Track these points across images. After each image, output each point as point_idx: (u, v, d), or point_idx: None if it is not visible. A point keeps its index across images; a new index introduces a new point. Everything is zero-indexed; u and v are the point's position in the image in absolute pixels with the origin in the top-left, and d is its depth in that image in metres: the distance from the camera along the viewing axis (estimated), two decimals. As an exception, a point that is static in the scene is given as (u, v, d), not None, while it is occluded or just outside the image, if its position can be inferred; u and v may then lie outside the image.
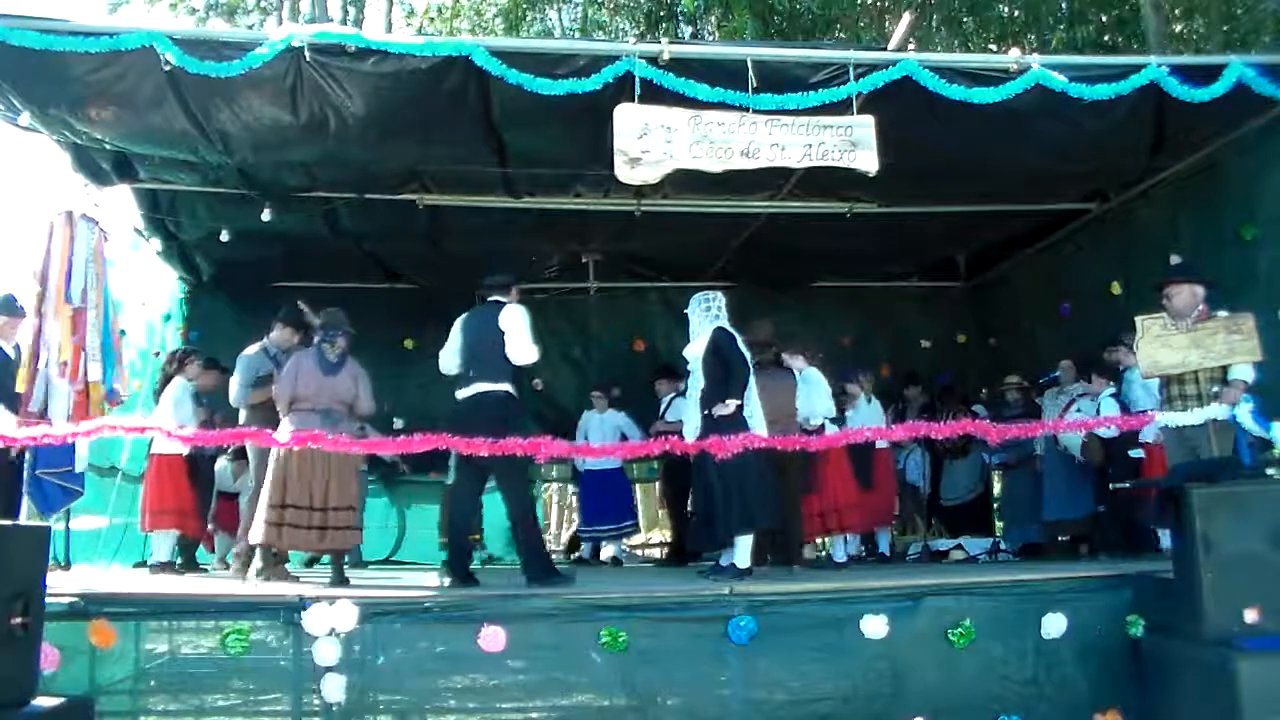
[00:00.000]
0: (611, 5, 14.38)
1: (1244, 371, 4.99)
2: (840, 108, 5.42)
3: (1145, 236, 7.32)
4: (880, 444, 7.36)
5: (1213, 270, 5.58)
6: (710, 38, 13.09)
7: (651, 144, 5.19)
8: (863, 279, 9.85)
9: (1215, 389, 5.03)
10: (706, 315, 5.85)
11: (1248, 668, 3.76)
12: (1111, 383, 6.60)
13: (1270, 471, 5.72)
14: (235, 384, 6.22)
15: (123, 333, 7.80)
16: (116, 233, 7.19)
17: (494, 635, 4.20)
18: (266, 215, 6.95)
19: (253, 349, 6.31)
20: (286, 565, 6.06)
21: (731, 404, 5.50)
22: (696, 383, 5.75)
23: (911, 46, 5.68)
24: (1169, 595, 4.33)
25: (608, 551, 8.33)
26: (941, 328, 10.05)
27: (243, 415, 6.16)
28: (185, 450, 6.68)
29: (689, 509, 7.83)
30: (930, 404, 8.42)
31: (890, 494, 8.04)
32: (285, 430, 5.40)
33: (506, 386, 5.42)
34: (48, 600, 3.70)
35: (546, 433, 5.38)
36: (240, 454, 7.22)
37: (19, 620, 3.35)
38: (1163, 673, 4.33)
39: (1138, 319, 5.28)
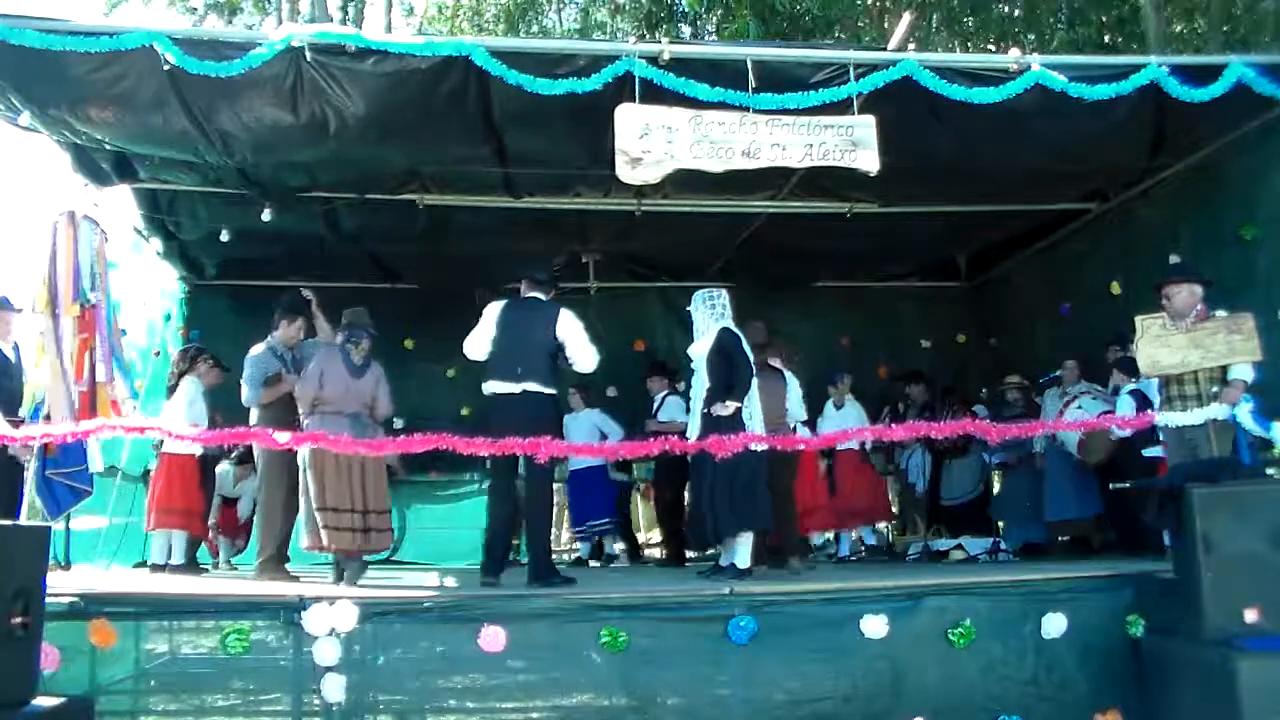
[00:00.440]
0: (612, 5, 14.38)
1: (1244, 371, 4.99)
2: (841, 108, 5.42)
3: (1145, 236, 7.32)
4: (844, 446, 7.35)
5: (1213, 270, 5.58)
6: (710, 38, 13.09)
7: (652, 144, 5.19)
8: (863, 279, 9.85)
9: (1215, 389, 5.04)
10: (711, 314, 5.84)
11: (1248, 668, 3.75)
12: (1133, 379, 6.52)
13: (1270, 471, 5.75)
14: (246, 385, 6.08)
15: (124, 332, 7.82)
16: (116, 233, 7.20)
17: (494, 635, 4.20)
18: (266, 215, 6.95)
19: (259, 349, 6.19)
20: (287, 566, 6.07)
21: (731, 405, 5.51)
22: (700, 382, 5.75)
23: (911, 46, 5.67)
24: (1169, 595, 4.33)
25: (618, 546, 8.34)
26: (941, 328, 10.04)
27: (254, 416, 6.04)
28: (198, 451, 6.67)
29: (686, 508, 7.88)
30: (931, 403, 8.42)
31: (864, 494, 8.01)
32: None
33: (554, 391, 5.47)
34: (48, 600, 3.70)
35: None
36: (244, 458, 7.21)
37: (19, 620, 3.35)
38: (1163, 673, 4.33)
39: (1138, 319, 5.28)
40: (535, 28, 15.29)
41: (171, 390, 6.87)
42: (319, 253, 8.10)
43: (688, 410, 6.93)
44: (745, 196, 7.37)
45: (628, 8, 14.13)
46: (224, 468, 7.48)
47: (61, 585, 4.28)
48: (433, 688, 4.25)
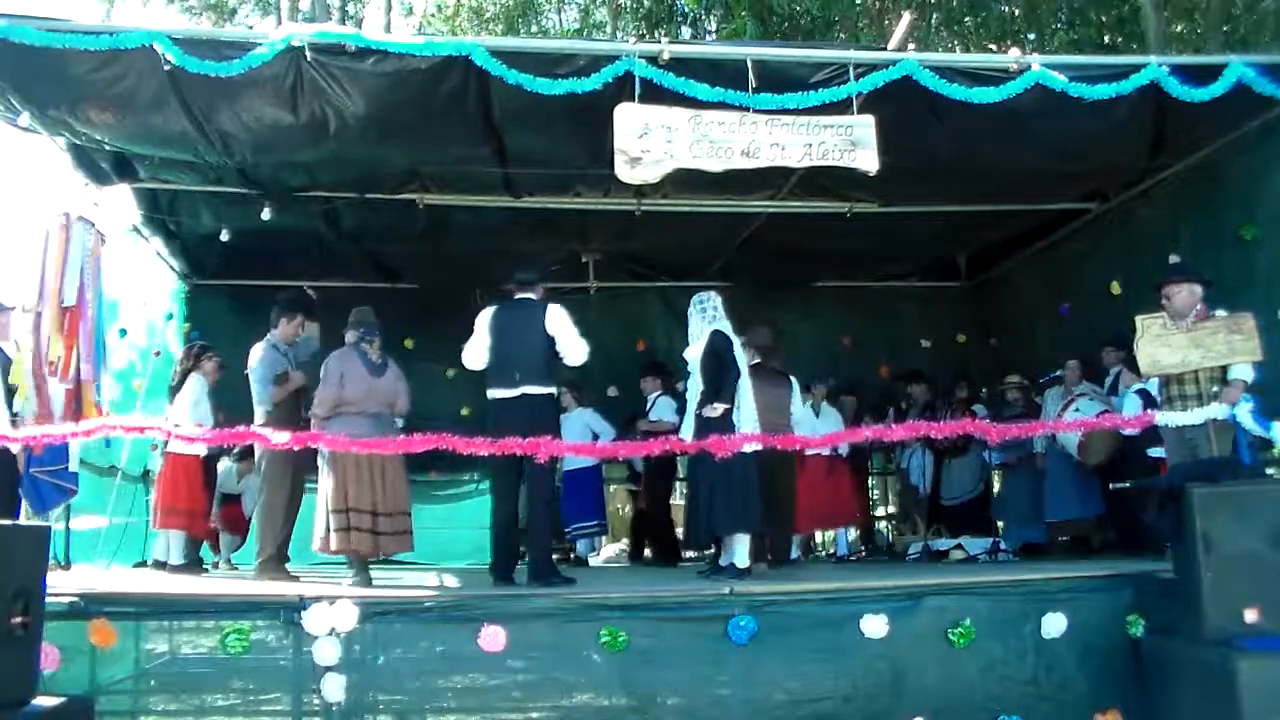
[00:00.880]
0: (612, 5, 14.38)
1: (1244, 371, 4.99)
2: (840, 107, 5.42)
3: (1145, 236, 7.32)
4: (812, 452, 7.38)
5: (1213, 270, 5.58)
6: (710, 38, 13.10)
7: (652, 144, 5.19)
8: (863, 279, 9.84)
9: (1215, 389, 5.04)
10: (703, 317, 5.88)
11: (1248, 668, 3.75)
12: (1140, 379, 6.46)
13: (1270, 471, 5.75)
14: (258, 384, 6.03)
15: (123, 332, 7.82)
16: (116, 232, 7.20)
17: (494, 635, 4.20)
18: (266, 215, 6.95)
19: (262, 347, 6.15)
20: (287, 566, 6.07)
21: (720, 407, 5.53)
22: (695, 385, 5.77)
23: (911, 46, 5.66)
24: (1169, 595, 4.33)
25: (608, 551, 8.32)
26: (941, 328, 10.03)
27: (259, 416, 5.99)
28: (203, 451, 6.68)
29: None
30: (932, 403, 8.42)
31: (829, 499, 7.98)
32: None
33: (551, 389, 5.48)
34: (48, 600, 3.70)
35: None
36: (245, 454, 7.22)
37: (19, 620, 3.35)
38: (1163, 673, 4.33)
39: (1138, 319, 5.28)
40: (535, 28, 15.29)
41: (176, 389, 6.87)
42: (319, 252, 8.10)
43: (677, 410, 7.00)
44: (745, 196, 7.37)
45: (628, 7, 14.13)
46: (226, 464, 7.48)
47: (61, 585, 4.28)
48: (433, 688, 4.25)
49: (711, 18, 13.55)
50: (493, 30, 15.33)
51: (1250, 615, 3.88)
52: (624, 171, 5.23)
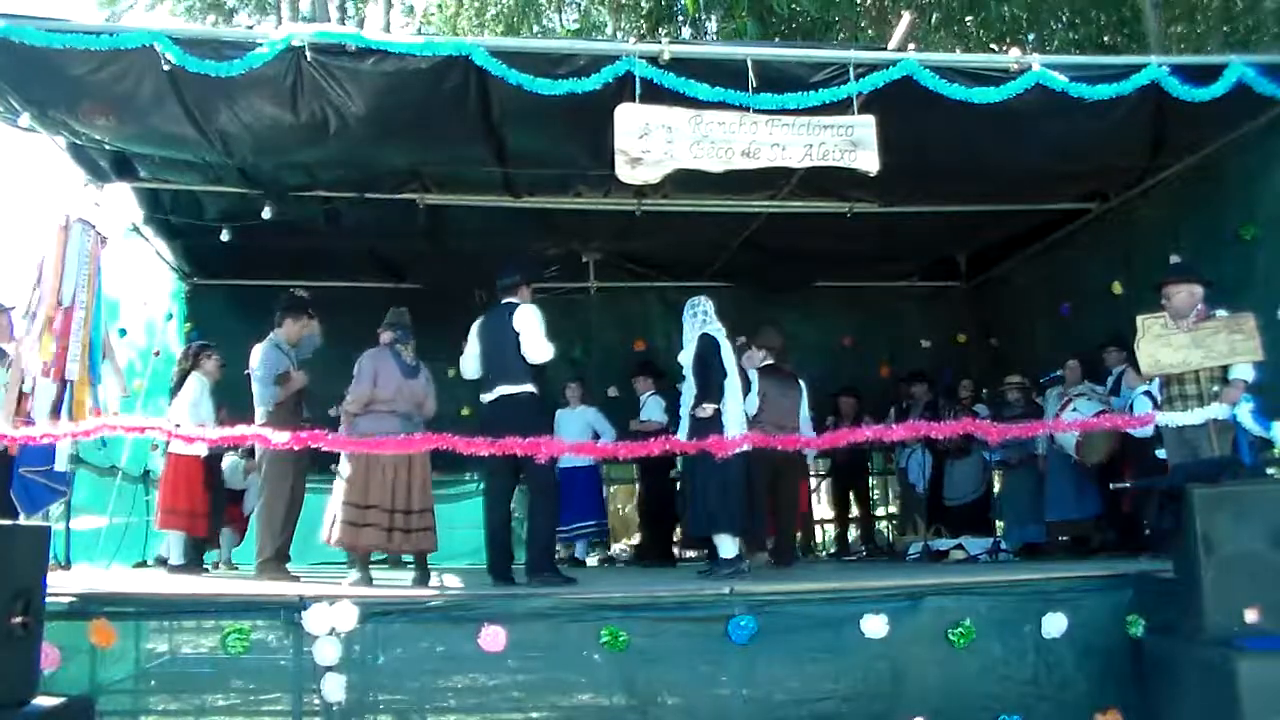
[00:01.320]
0: (613, 5, 14.36)
1: (1244, 371, 4.99)
2: (841, 107, 5.42)
3: (1145, 236, 7.32)
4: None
5: (1213, 270, 5.57)
6: (710, 39, 13.08)
7: (652, 144, 5.19)
8: (863, 279, 9.84)
9: (1216, 389, 5.03)
10: (694, 321, 5.96)
11: (1248, 668, 3.75)
12: (1147, 380, 6.45)
13: (1270, 471, 5.74)
14: (260, 384, 6.03)
15: (122, 332, 7.81)
16: (116, 232, 7.19)
17: (494, 635, 4.20)
18: (267, 214, 6.95)
19: (265, 347, 6.14)
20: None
21: (709, 408, 5.61)
22: (689, 388, 5.83)
23: (911, 47, 5.66)
24: (1169, 595, 4.33)
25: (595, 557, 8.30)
26: (941, 328, 10.04)
27: (260, 416, 5.98)
28: (203, 452, 6.68)
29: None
30: (934, 402, 8.42)
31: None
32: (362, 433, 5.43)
33: (529, 387, 5.48)
34: (48, 600, 3.70)
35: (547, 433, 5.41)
36: (252, 451, 7.22)
37: (19, 620, 3.35)
38: (1163, 673, 4.32)
39: (1138, 319, 5.28)
40: (535, 28, 15.27)
41: (176, 390, 6.87)
42: (319, 252, 8.09)
43: (666, 410, 7.02)
44: (745, 196, 7.37)
45: (628, 6, 14.12)
46: (231, 460, 7.48)
47: (61, 585, 4.28)
48: (433, 688, 4.25)
49: (711, 18, 13.53)
50: (493, 30, 15.31)
51: (1250, 615, 3.88)
52: (624, 172, 5.22)
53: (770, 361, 6.77)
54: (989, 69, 5.58)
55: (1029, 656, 4.53)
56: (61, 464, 5.85)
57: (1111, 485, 6.48)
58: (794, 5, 12.19)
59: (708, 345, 5.79)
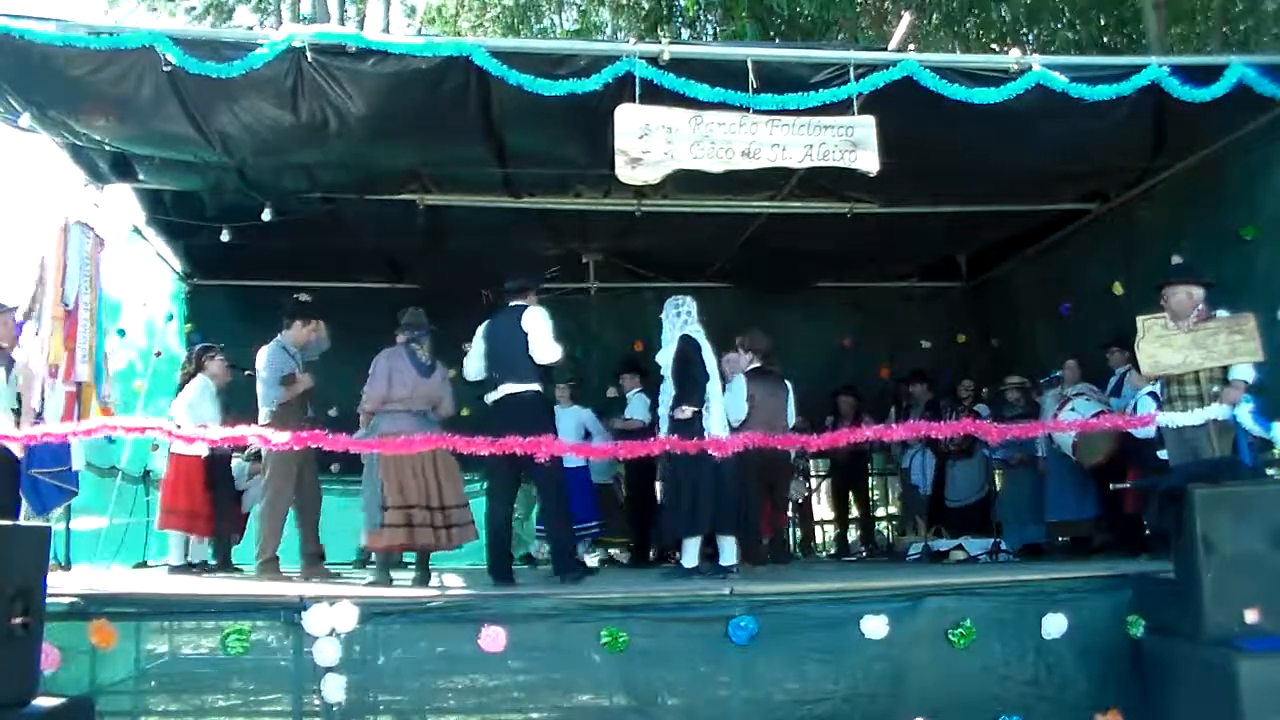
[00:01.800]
0: (613, 5, 14.36)
1: (1244, 372, 4.98)
2: (841, 108, 5.42)
3: (1145, 236, 7.31)
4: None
5: (1213, 270, 5.57)
6: (709, 39, 13.08)
7: (652, 144, 5.19)
8: (863, 279, 9.84)
9: (1216, 389, 5.03)
10: (677, 321, 5.97)
11: (1248, 668, 3.75)
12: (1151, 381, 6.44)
13: (1270, 471, 5.74)
14: (265, 385, 6.03)
15: (121, 332, 7.81)
16: (116, 233, 7.20)
17: (494, 636, 4.20)
18: (267, 215, 6.95)
19: (271, 349, 6.13)
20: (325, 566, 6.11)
21: (688, 410, 5.63)
22: (668, 388, 5.85)
23: (912, 47, 5.66)
24: (1169, 595, 4.33)
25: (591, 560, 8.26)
26: (941, 328, 10.03)
27: (264, 417, 5.97)
28: (204, 453, 6.69)
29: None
30: (934, 403, 8.42)
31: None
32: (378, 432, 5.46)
33: (535, 386, 5.54)
34: (48, 600, 3.70)
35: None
36: (258, 454, 7.22)
37: (19, 620, 3.35)
38: (1163, 673, 4.32)
39: (1139, 319, 5.27)
40: (535, 28, 15.27)
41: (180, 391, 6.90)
42: (319, 253, 8.09)
43: (649, 409, 7.02)
44: (745, 197, 7.36)
45: (627, 6, 14.11)
46: (238, 462, 7.48)
47: (61, 585, 4.29)
48: (433, 688, 4.25)
49: (710, 19, 13.53)
50: (493, 31, 15.32)
51: (1250, 615, 3.88)
52: (624, 172, 5.23)
53: (758, 364, 6.76)
54: (989, 69, 5.58)
55: (1029, 657, 4.52)
56: (78, 465, 5.87)
57: (1111, 486, 6.48)
58: (794, 5, 12.18)
59: (690, 348, 5.82)
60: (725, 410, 6.05)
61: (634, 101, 5.23)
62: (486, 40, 7.14)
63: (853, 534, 9.66)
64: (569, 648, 4.31)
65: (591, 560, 8.50)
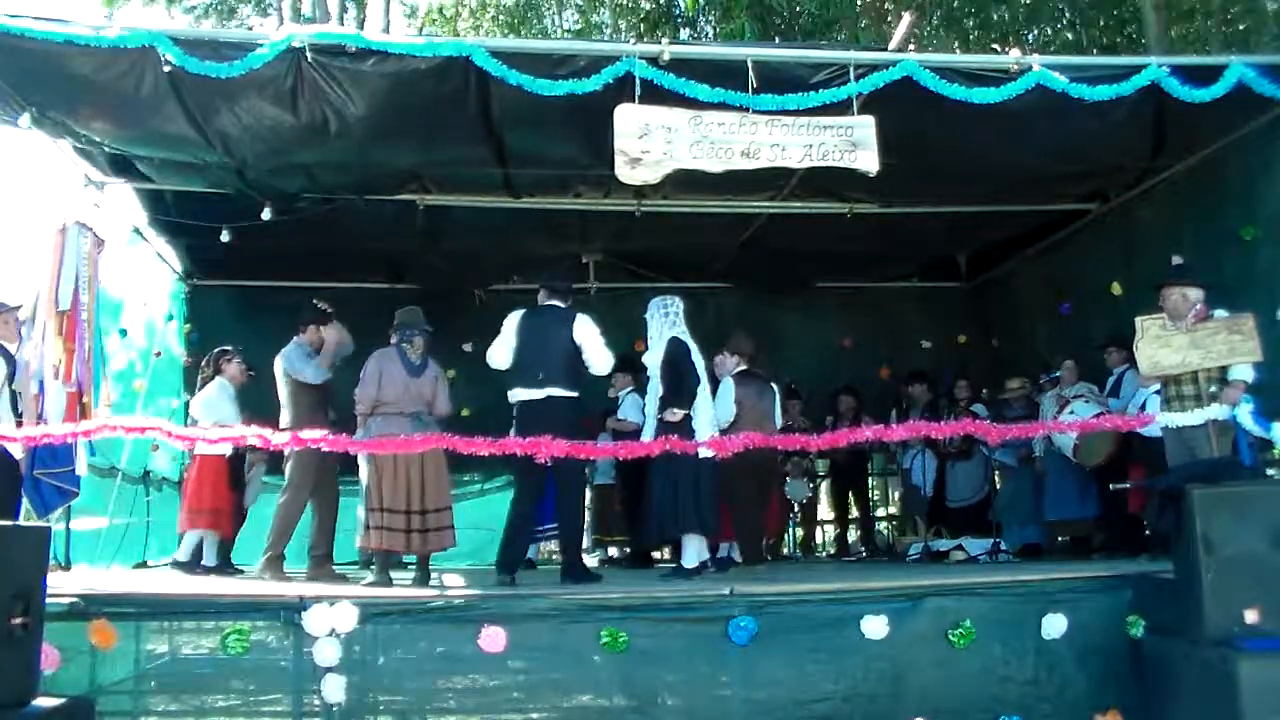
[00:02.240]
0: (612, 6, 14.37)
1: (1244, 372, 4.99)
2: (841, 108, 5.42)
3: (1145, 236, 7.31)
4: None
5: (1213, 270, 5.58)
6: (709, 39, 13.09)
7: (652, 144, 5.19)
8: (863, 279, 9.84)
9: (1214, 389, 5.03)
10: (665, 321, 6.00)
11: (1248, 668, 3.75)
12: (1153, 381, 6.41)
13: (1270, 471, 5.73)
14: (304, 368, 6.08)
15: (123, 332, 7.81)
16: (116, 233, 7.19)
17: (494, 636, 4.20)
18: (267, 215, 6.95)
19: (288, 347, 6.17)
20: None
21: (679, 413, 5.67)
22: (655, 389, 5.87)
23: (912, 47, 5.66)
24: (1169, 595, 4.33)
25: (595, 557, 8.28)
26: (942, 328, 10.02)
27: (285, 418, 6.00)
28: (228, 451, 6.70)
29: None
30: (934, 403, 8.42)
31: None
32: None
33: (576, 394, 5.59)
34: (48, 600, 3.69)
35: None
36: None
37: (19, 620, 3.34)
38: (1163, 673, 4.32)
39: (1138, 320, 5.27)
40: (535, 28, 15.29)
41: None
42: (319, 253, 8.09)
43: (641, 410, 7.03)
44: (745, 197, 7.36)
45: (627, 6, 14.13)
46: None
47: (61, 585, 4.29)
48: (433, 688, 4.25)
49: (709, 19, 13.55)
50: (493, 31, 15.33)
51: (1250, 616, 3.87)
52: (624, 172, 5.23)
53: (744, 367, 6.76)
54: (989, 69, 5.58)
55: (1029, 657, 4.52)
56: (82, 467, 5.87)
57: (1111, 486, 6.48)
58: (794, 5, 12.19)
59: (679, 350, 5.84)
60: (714, 413, 6.07)
61: (634, 102, 5.23)
62: (486, 40, 7.15)
63: (853, 534, 9.66)
64: (569, 648, 4.30)
65: (591, 561, 8.51)
